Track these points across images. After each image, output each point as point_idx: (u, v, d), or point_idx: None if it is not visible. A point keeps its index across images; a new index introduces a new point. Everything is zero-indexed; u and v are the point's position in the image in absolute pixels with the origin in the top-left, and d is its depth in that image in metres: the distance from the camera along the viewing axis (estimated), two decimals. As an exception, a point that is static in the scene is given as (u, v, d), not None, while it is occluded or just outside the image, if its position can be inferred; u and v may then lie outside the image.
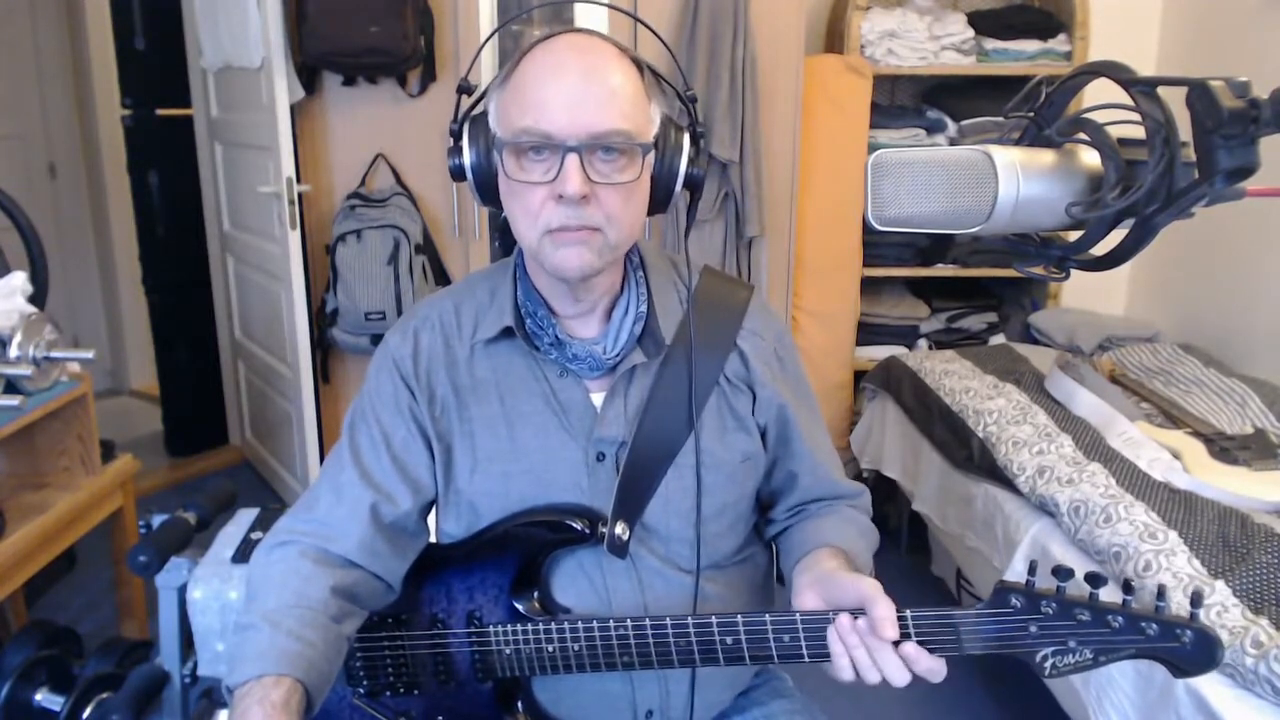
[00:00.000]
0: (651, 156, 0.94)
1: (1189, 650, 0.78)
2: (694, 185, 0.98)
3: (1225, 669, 1.33)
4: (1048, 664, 0.82)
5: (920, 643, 0.83)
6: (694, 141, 0.98)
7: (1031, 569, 0.82)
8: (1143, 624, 0.79)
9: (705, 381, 1.01)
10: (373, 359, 1.07)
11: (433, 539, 1.07)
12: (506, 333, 1.01)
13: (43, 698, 1.68)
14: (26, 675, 1.68)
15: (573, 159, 0.87)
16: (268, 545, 1.00)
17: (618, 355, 1.00)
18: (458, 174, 0.97)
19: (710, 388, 1.01)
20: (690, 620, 0.91)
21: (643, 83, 0.94)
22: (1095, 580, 0.80)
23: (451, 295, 1.07)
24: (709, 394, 1.01)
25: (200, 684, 1.61)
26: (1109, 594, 0.79)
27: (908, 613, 0.84)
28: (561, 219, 0.90)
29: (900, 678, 0.84)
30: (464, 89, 0.97)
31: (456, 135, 0.96)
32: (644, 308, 1.02)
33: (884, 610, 0.83)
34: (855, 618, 0.85)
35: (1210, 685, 1.33)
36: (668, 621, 0.91)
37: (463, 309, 1.05)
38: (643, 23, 1.11)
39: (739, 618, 0.89)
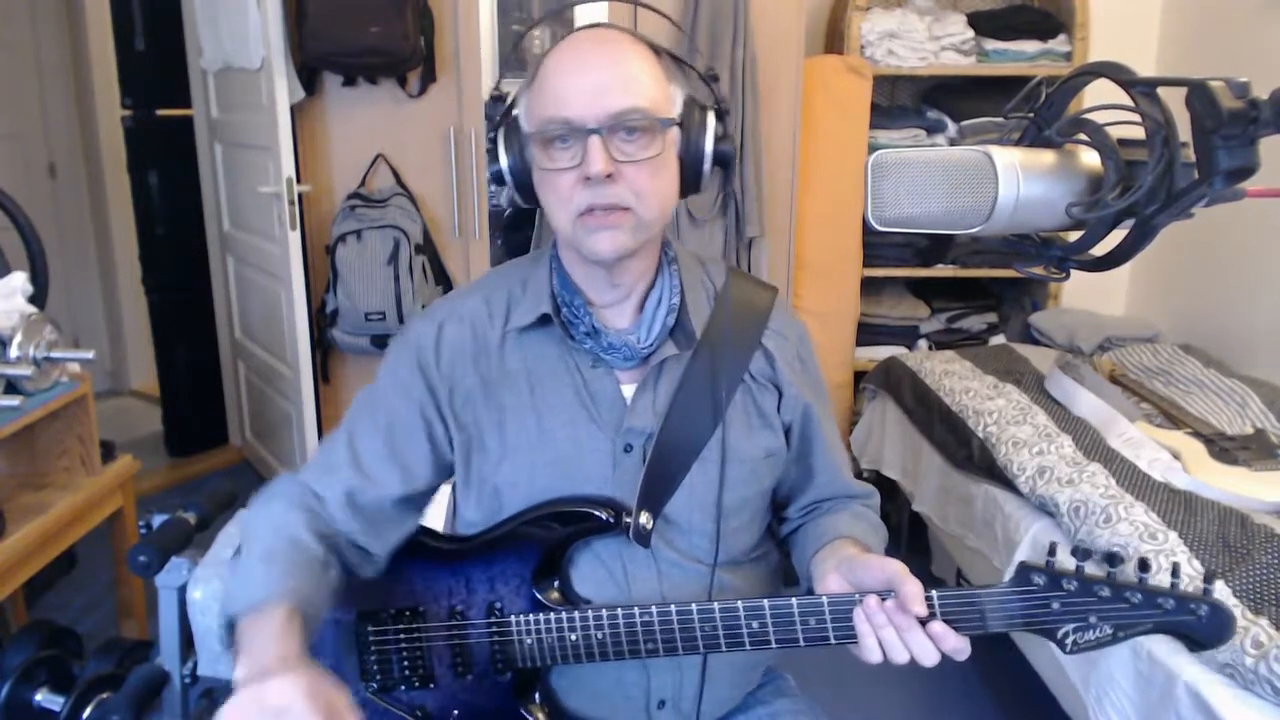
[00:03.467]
0: (675, 133, 0.97)
1: (1204, 623, 0.82)
2: (724, 161, 1.01)
3: (1225, 669, 1.33)
4: (1069, 640, 0.84)
5: (946, 622, 0.85)
6: (719, 118, 1.00)
7: (1051, 550, 0.86)
8: (1159, 600, 0.82)
9: (731, 378, 1.03)
10: (392, 343, 1.09)
11: (438, 526, 1.07)
12: (541, 321, 1.02)
13: (43, 698, 1.68)
14: (26, 675, 1.68)
15: (594, 140, 0.91)
16: (263, 498, 1.02)
17: (651, 345, 1.02)
18: (498, 179, 1.00)
19: (736, 384, 1.03)
20: (716, 605, 0.92)
21: (660, 66, 0.97)
22: (1113, 559, 0.83)
23: (480, 289, 1.09)
24: (735, 390, 1.03)
25: (200, 684, 1.61)
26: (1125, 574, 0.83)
27: (934, 592, 0.86)
28: (590, 199, 0.93)
29: (929, 657, 0.85)
30: (498, 97, 1.02)
31: (493, 142, 1.00)
32: (676, 299, 1.04)
33: (913, 587, 0.85)
34: (883, 599, 0.87)
35: (1210, 685, 1.33)
36: (693, 607, 0.92)
37: (492, 301, 1.06)
38: (648, 5, 1.14)
39: (765, 602, 0.91)
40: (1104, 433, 2.02)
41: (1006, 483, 1.98)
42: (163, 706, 1.59)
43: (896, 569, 0.87)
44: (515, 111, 1.00)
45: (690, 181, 1.00)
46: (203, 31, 2.97)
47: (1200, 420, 2.13)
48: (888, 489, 2.66)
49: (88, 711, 1.63)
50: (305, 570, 0.93)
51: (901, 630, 0.85)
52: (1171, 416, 2.18)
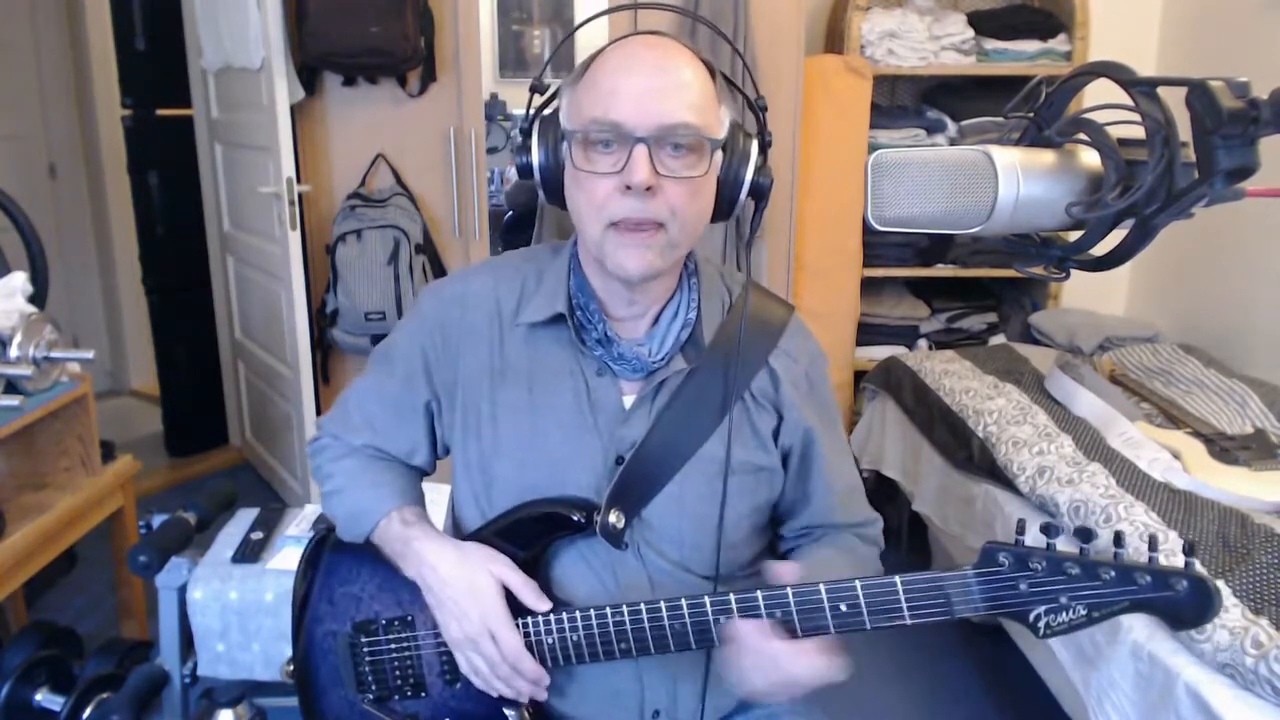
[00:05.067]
0: (719, 156, 0.95)
1: (1184, 599, 0.76)
2: (759, 194, 0.99)
3: (1225, 669, 1.33)
4: (1041, 624, 0.80)
5: (911, 608, 0.84)
6: (762, 150, 0.98)
7: (1020, 528, 0.82)
8: (1135, 575, 0.77)
9: (731, 393, 1.01)
10: (407, 312, 1.10)
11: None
12: (554, 320, 1.01)
13: (43, 698, 1.68)
14: (27, 675, 1.68)
15: (641, 149, 0.88)
16: (318, 458, 1.13)
17: (662, 359, 1.00)
18: (525, 172, 0.98)
19: (734, 400, 1.01)
20: (684, 601, 0.91)
21: (713, 85, 0.95)
22: (1086, 535, 0.79)
23: (494, 272, 1.07)
24: (732, 406, 1.01)
25: (200, 684, 1.62)
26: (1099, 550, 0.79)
27: (856, 582, 0.85)
28: (626, 210, 0.90)
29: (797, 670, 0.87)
30: (536, 88, 0.99)
31: (526, 133, 0.98)
32: (693, 314, 1.02)
33: (783, 568, 0.89)
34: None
35: (1210, 685, 1.33)
36: (662, 605, 0.91)
37: (505, 287, 1.05)
38: (711, 25, 1.13)
39: (731, 596, 0.90)
40: (1104, 433, 2.02)
41: (1006, 483, 1.98)
42: (163, 706, 1.59)
43: (782, 566, 0.90)
44: (554, 106, 0.98)
45: (724, 208, 0.98)
46: (203, 31, 2.96)
47: (1200, 420, 2.13)
48: (888, 489, 2.66)
49: (88, 711, 1.63)
50: (390, 471, 1.09)
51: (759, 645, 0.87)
52: (1171, 416, 2.18)
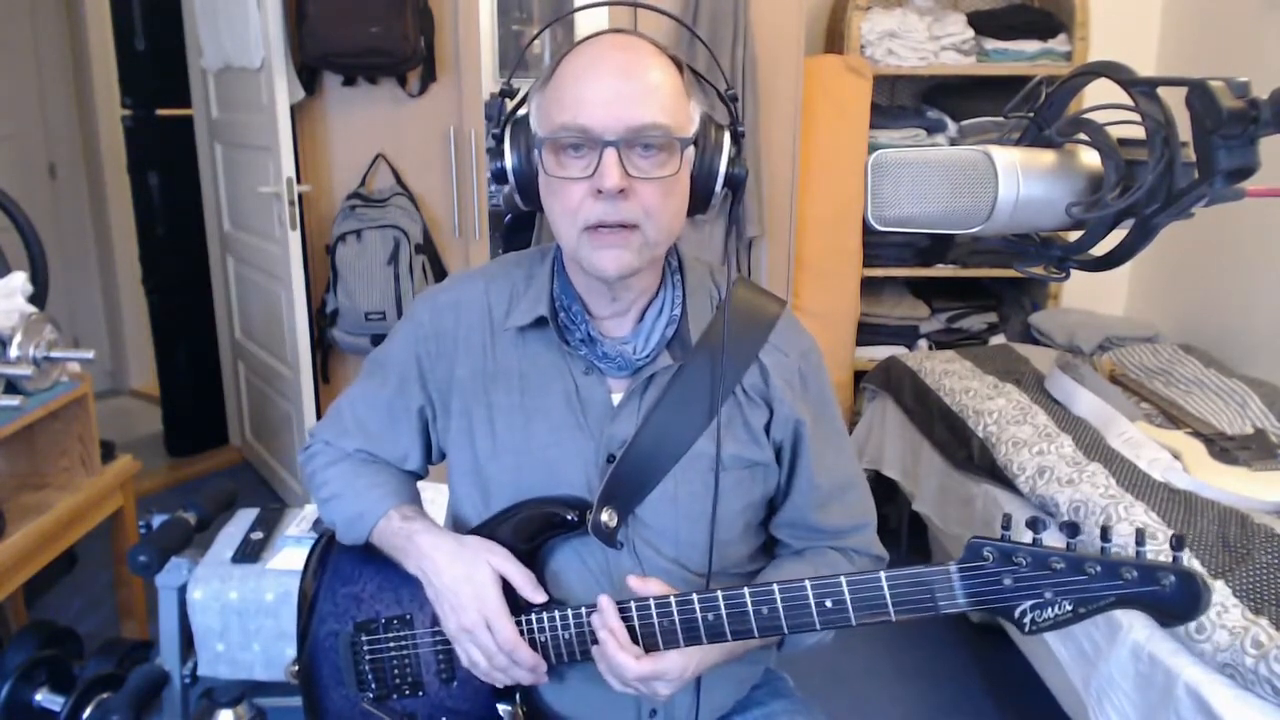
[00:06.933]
0: (691, 152, 0.95)
1: (1171, 594, 0.75)
2: (735, 185, 0.99)
3: (1225, 669, 1.33)
4: (1026, 619, 0.79)
5: (895, 604, 0.84)
6: (735, 140, 0.98)
7: (1006, 522, 0.81)
8: (1122, 569, 0.76)
9: (722, 390, 1.01)
10: (401, 319, 1.12)
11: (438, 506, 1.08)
12: (538, 323, 1.01)
13: (43, 698, 1.69)
14: (26, 675, 1.69)
15: (610, 153, 0.88)
16: (311, 465, 1.14)
17: (647, 356, 1.00)
18: (499, 177, 0.98)
19: (725, 396, 1.01)
20: (673, 598, 0.91)
21: (682, 81, 0.94)
22: (1073, 530, 0.78)
23: (485, 277, 1.08)
24: (724, 402, 1.01)
25: (200, 684, 1.62)
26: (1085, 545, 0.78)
27: (840, 576, 0.86)
28: (600, 214, 0.90)
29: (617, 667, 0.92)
30: (506, 93, 0.99)
31: (499, 139, 0.97)
32: (678, 311, 1.02)
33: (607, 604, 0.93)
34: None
35: (1210, 685, 1.33)
36: (650, 601, 0.92)
37: (495, 292, 1.06)
38: (684, 24, 1.14)
39: (719, 593, 0.90)
40: (1104, 433, 2.02)
41: (1006, 483, 1.98)
42: (163, 706, 1.59)
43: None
44: (524, 110, 0.97)
45: (699, 202, 0.98)
46: (203, 31, 2.96)
47: (1200, 420, 2.13)
48: (888, 489, 2.66)
49: (88, 711, 1.63)
50: (385, 473, 1.10)
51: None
52: (1171, 416, 2.18)
